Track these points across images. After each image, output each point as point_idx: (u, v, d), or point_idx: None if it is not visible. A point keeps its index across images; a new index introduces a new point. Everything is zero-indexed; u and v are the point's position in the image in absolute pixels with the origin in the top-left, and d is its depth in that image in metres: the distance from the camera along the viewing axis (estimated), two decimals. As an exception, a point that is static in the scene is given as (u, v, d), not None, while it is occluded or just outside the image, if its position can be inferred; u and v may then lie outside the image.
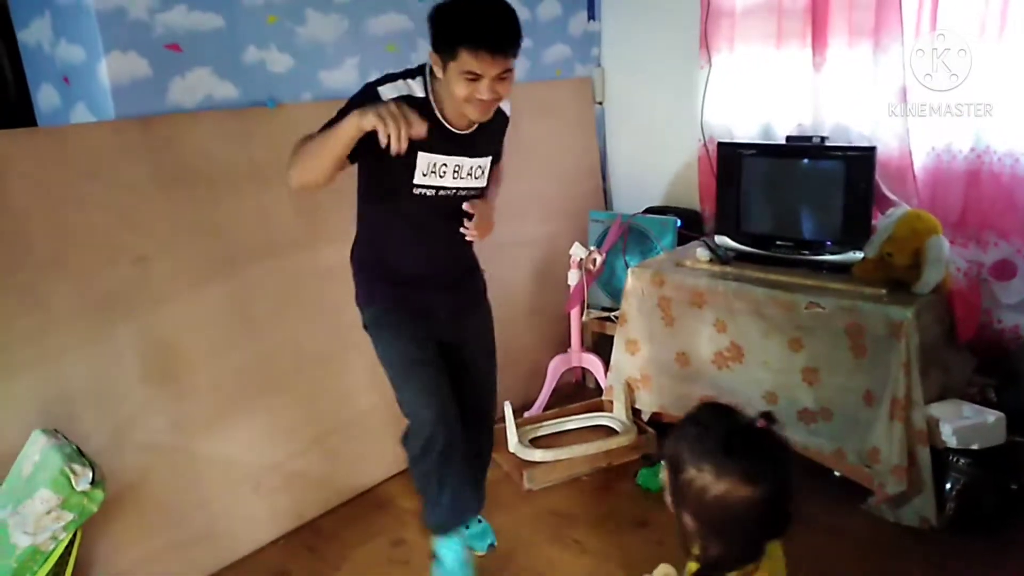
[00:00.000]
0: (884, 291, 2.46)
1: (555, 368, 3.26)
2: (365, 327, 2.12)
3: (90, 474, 1.81)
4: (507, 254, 3.27)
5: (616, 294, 3.11)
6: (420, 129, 1.69)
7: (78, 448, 1.89)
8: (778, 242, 2.79)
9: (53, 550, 1.81)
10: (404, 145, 1.67)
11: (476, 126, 1.97)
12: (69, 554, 1.86)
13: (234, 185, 2.44)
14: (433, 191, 1.98)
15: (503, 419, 2.85)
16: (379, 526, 2.54)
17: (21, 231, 2.04)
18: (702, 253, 2.88)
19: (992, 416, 2.35)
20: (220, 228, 2.40)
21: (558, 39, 3.51)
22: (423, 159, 1.93)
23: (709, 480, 1.19)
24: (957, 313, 2.51)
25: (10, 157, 2.04)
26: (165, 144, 2.30)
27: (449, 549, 2.17)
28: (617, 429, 2.96)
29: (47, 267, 2.08)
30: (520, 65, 3.35)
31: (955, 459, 2.33)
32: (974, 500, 2.33)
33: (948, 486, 2.34)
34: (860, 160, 2.61)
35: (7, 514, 1.79)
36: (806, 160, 2.78)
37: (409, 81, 1.92)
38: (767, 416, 1.21)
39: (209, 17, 2.40)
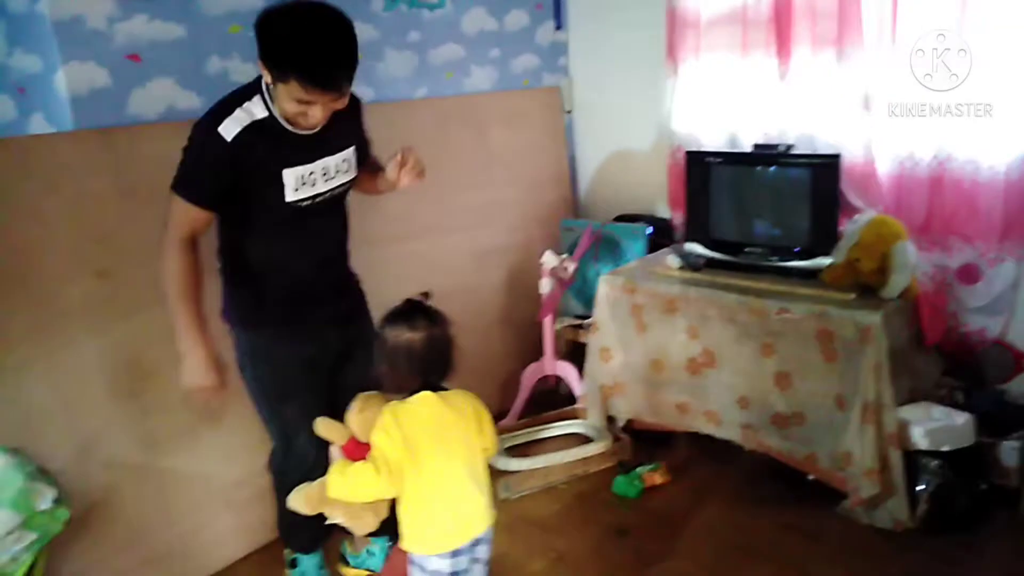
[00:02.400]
0: (852, 296, 2.48)
1: (529, 377, 3.24)
2: (241, 349, 2.03)
3: (53, 492, 1.76)
4: (479, 263, 3.26)
5: (589, 302, 3.10)
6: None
7: (40, 467, 1.83)
8: (747, 249, 2.81)
9: (15, 571, 1.75)
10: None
11: (330, 120, 1.84)
12: (32, 575, 1.79)
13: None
14: (309, 199, 1.90)
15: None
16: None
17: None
18: (673, 260, 2.89)
19: (961, 418, 2.39)
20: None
21: (526, 49, 3.51)
22: (289, 175, 1.84)
23: (391, 334, 1.69)
24: (924, 317, 2.55)
25: (-36, 169, 1.98)
26: (126, 155, 2.25)
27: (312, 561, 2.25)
28: (592, 436, 2.95)
29: (6, 282, 2.02)
30: (488, 75, 3.38)
31: (926, 461, 2.36)
32: (946, 501, 2.36)
33: (920, 487, 2.37)
34: (826, 167, 2.64)
35: (-36, 538, 1.73)
36: (773, 168, 2.81)
37: (248, 105, 1.79)
38: (424, 294, 1.75)
39: (170, 27, 2.35)
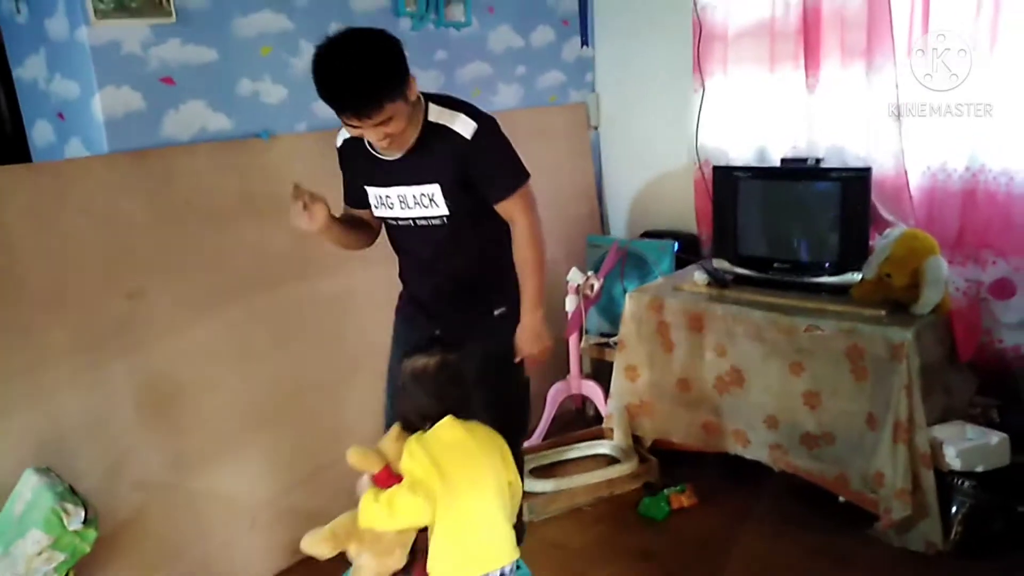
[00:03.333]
0: (883, 312, 2.44)
1: (554, 396, 3.23)
2: None
3: (82, 513, 1.79)
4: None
5: (615, 319, 3.09)
6: (316, 209, 1.88)
7: (70, 487, 1.86)
8: (776, 264, 2.78)
9: (45, 592, 1.78)
10: (315, 224, 1.90)
11: (409, 151, 1.89)
12: (61, 595, 1.83)
13: (229, 217, 2.43)
14: (394, 220, 2.00)
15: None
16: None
17: (15, 266, 2.03)
18: (700, 277, 2.87)
19: (996, 437, 2.33)
20: (215, 261, 2.39)
21: (552, 66, 3.52)
22: (371, 192, 1.99)
23: (408, 364, 1.72)
24: (957, 333, 2.50)
25: (5, 192, 2.03)
26: (159, 177, 2.30)
27: None
28: (618, 457, 2.92)
29: (41, 303, 2.06)
30: (514, 92, 3.40)
31: (960, 482, 2.31)
32: (981, 523, 2.30)
33: (954, 509, 2.32)
34: (855, 181, 2.61)
35: (-2, 556, 1.76)
36: (802, 182, 2.78)
37: None
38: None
39: (202, 50, 2.40)
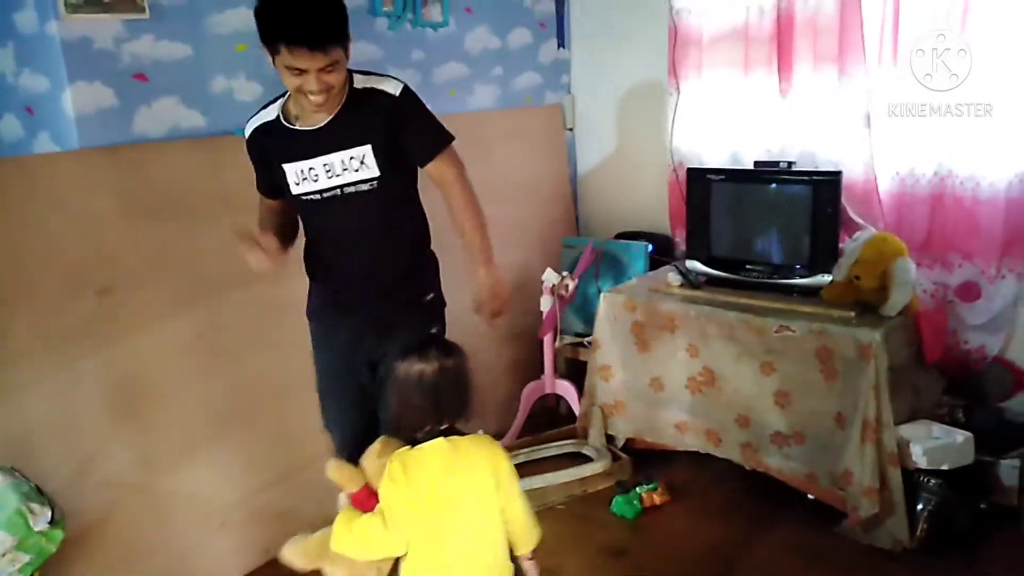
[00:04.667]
0: (853, 314, 2.48)
1: (528, 395, 3.24)
2: None
3: (49, 513, 1.77)
4: (479, 280, 3.26)
5: (589, 320, 3.11)
6: (264, 247, 1.86)
7: (37, 487, 1.84)
8: (748, 266, 2.81)
9: (9, 593, 1.76)
10: (273, 256, 1.87)
11: (335, 117, 1.88)
12: (27, 597, 1.80)
13: (202, 215, 2.41)
14: (317, 195, 1.93)
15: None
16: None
17: (-19, 262, 2.00)
18: (674, 278, 2.89)
19: (961, 436, 2.38)
20: (187, 259, 2.36)
21: (528, 67, 3.53)
22: (289, 169, 1.94)
23: (402, 368, 1.61)
24: (924, 334, 2.54)
25: (-30, 188, 2.00)
26: (131, 174, 2.28)
27: None
28: (591, 456, 2.94)
29: (9, 299, 2.03)
30: (491, 92, 3.40)
31: (926, 480, 2.35)
32: (945, 520, 2.35)
33: (920, 507, 2.36)
34: (827, 184, 2.64)
35: (-38, 557, 1.73)
36: (774, 185, 2.82)
37: (267, 108, 1.98)
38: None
39: (176, 46, 2.38)
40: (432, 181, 1.99)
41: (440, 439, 1.57)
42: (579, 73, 3.70)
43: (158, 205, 2.32)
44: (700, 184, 2.90)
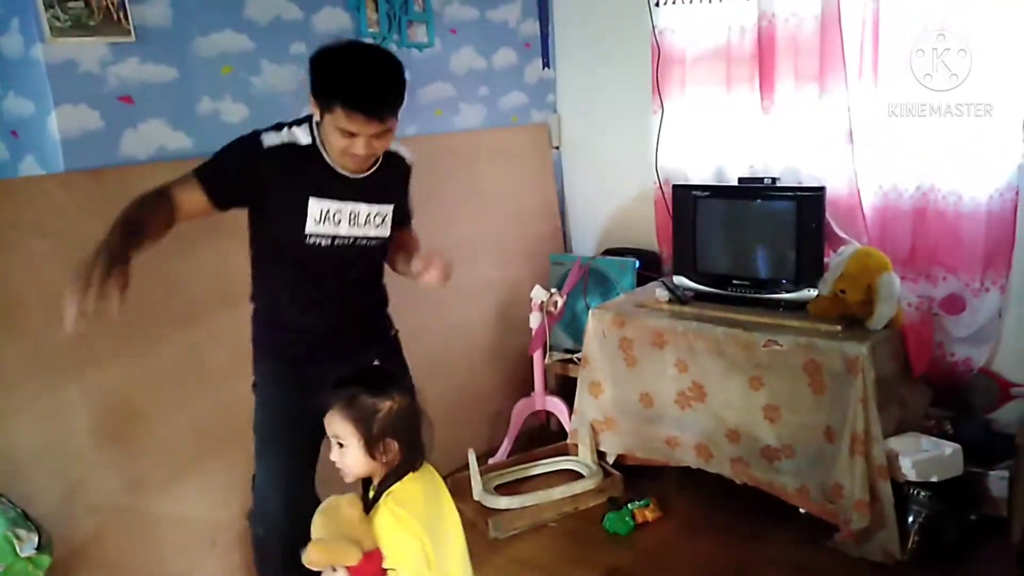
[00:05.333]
0: (839, 328, 2.50)
1: (519, 412, 3.24)
2: (253, 386, 2.00)
3: (35, 539, 1.75)
4: (468, 297, 3.27)
5: (578, 336, 3.12)
6: (107, 304, 1.50)
7: (23, 512, 1.82)
8: (735, 281, 2.83)
9: (-5, 622, 1.73)
10: (69, 323, 1.48)
11: (372, 170, 1.87)
12: (13, 625, 1.77)
13: (188, 237, 2.38)
14: (328, 240, 1.86)
15: (466, 467, 2.81)
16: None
17: (-34, 288, 1.99)
18: (661, 293, 2.91)
19: (949, 448, 2.39)
20: (174, 281, 2.35)
21: (514, 86, 3.56)
22: (315, 205, 1.83)
23: (398, 401, 1.53)
24: (910, 347, 2.56)
25: (-45, 212, 1.99)
26: (117, 196, 2.23)
27: None
28: (583, 473, 2.94)
29: (-5, 324, 2.02)
30: (477, 112, 3.42)
31: (915, 492, 2.36)
32: (936, 532, 2.36)
33: (910, 519, 2.37)
34: (810, 200, 2.67)
35: (-54, 585, 1.71)
36: (758, 201, 2.85)
37: (294, 128, 1.84)
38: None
39: (162, 69, 2.39)
40: (396, 242, 2.03)
41: (412, 472, 1.53)
42: (564, 92, 3.73)
43: (145, 227, 2.31)
44: (686, 201, 2.93)
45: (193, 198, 1.80)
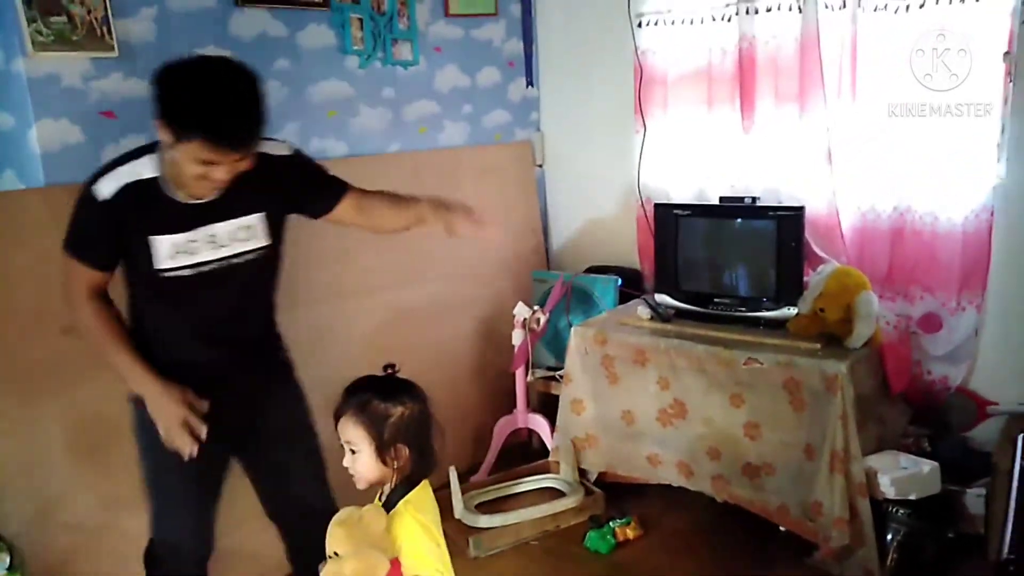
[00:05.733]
0: (818, 346, 2.52)
1: (500, 430, 3.23)
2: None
3: (7, 559, 1.72)
4: (450, 314, 3.27)
5: (560, 353, 3.12)
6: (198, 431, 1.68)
7: (-4, 531, 1.79)
8: (716, 299, 2.85)
9: (-35, 643, 1.70)
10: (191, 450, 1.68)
11: (229, 187, 1.72)
12: (-17, 647, 1.74)
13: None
14: (190, 269, 1.75)
15: (447, 485, 2.80)
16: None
17: (-59, 302, 1.97)
18: (643, 311, 2.92)
19: (927, 466, 2.41)
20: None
21: (498, 105, 3.58)
22: (161, 243, 1.71)
23: (409, 407, 1.52)
24: (888, 365, 2.58)
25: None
26: (97, 211, 2.25)
27: None
28: (564, 491, 2.93)
29: (-32, 338, 2.00)
30: (461, 129, 3.44)
31: (894, 510, 2.38)
32: (915, 549, 2.37)
33: (889, 537, 2.38)
34: (790, 219, 2.70)
35: (-85, 606, 1.68)
36: (739, 220, 2.87)
37: (134, 163, 1.71)
38: (391, 366, 1.58)
39: (145, 84, 2.33)
40: (343, 223, 1.97)
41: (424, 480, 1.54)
42: (548, 110, 3.76)
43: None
44: (667, 219, 2.95)
45: (86, 278, 1.76)
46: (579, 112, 3.63)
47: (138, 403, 1.80)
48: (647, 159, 3.31)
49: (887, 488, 2.36)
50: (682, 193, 3.24)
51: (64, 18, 2.18)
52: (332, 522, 1.47)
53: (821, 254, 2.84)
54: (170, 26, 2.42)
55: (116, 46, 2.29)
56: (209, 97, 1.57)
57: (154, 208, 1.70)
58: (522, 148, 3.70)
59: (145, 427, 1.80)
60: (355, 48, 2.95)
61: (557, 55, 3.66)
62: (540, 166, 3.79)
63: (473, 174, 3.42)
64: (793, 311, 2.66)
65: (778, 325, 2.69)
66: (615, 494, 2.90)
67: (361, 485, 1.55)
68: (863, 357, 2.49)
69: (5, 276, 2.07)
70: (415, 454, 1.52)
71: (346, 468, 1.55)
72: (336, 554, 1.44)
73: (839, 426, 2.35)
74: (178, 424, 1.70)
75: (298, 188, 1.88)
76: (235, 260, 1.80)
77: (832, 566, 2.43)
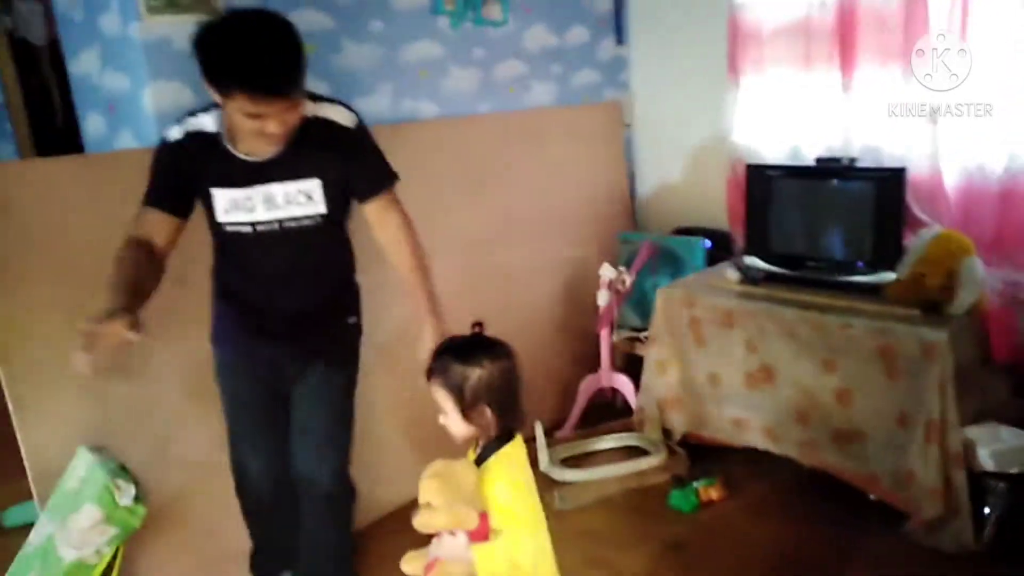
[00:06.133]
0: (917, 312, 2.44)
1: (585, 388, 3.27)
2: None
3: (133, 490, 1.86)
4: (538, 275, 3.31)
5: (646, 314, 3.12)
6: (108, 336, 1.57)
7: (122, 464, 1.94)
8: (808, 263, 2.79)
9: (97, 564, 1.86)
10: (86, 369, 1.57)
11: (288, 148, 1.77)
12: (112, 568, 1.90)
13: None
14: (248, 227, 1.82)
15: (534, 439, 2.86)
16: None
17: (69, 251, 2.11)
18: (732, 274, 2.88)
19: (1030, 439, 2.32)
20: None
21: (587, 64, 3.55)
22: (219, 196, 1.79)
23: (488, 368, 1.54)
24: (992, 335, 2.49)
25: (59, 182, 2.11)
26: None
27: None
28: (648, 450, 2.95)
29: (94, 286, 2.12)
30: (549, 90, 3.43)
31: (993, 483, 2.30)
32: (1013, 525, 2.29)
33: (987, 511, 2.31)
34: (890, 181, 2.61)
35: (55, 528, 1.84)
36: (836, 181, 2.79)
37: (201, 116, 1.80)
38: (479, 324, 1.62)
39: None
40: (368, 219, 1.94)
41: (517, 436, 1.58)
42: (638, 70, 3.70)
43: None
44: (760, 180, 2.89)
45: (153, 222, 1.82)
46: (670, 71, 3.56)
47: (214, 344, 2.01)
48: (740, 118, 3.24)
49: (986, 460, 2.29)
50: (776, 154, 3.16)
51: (175, -17, 2.27)
52: (426, 473, 1.51)
53: (923, 217, 2.73)
54: (274, -12, 2.49)
55: (221, 9, 2.38)
56: (240, 49, 1.60)
57: (214, 160, 1.78)
58: (611, 108, 3.66)
59: (220, 367, 2.02)
60: (447, 8, 2.97)
61: (648, 12, 3.59)
62: (628, 126, 3.75)
63: (560, 135, 3.41)
64: (890, 276, 2.58)
65: (873, 290, 2.61)
66: (699, 455, 2.91)
67: (457, 441, 1.61)
68: (964, 325, 2.41)
69: (124, 229, 2.19)
70: (497, 413, 1.55)
71: (442, 425, 1.61)
72: (428, 505, 1.50)
73: (937, 395, 2.29)
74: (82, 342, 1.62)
75: (350, 162, 1.87)
76: (290, 224, 1.83)
77: (923, 537, 2.37)
